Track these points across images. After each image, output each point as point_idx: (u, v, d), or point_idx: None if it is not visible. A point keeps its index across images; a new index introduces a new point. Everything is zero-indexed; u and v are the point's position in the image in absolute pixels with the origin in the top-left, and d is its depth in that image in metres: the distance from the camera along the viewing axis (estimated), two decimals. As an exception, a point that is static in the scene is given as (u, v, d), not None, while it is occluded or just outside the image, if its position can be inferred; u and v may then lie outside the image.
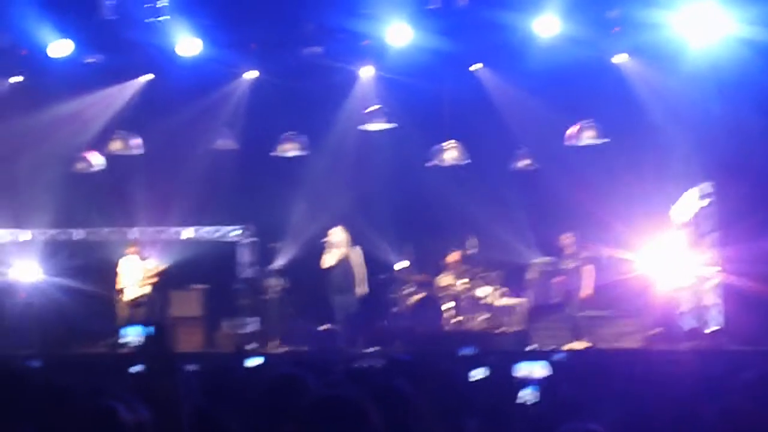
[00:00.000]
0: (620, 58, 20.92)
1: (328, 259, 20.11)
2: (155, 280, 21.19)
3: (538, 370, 10.13)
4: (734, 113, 20.11)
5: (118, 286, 20.99)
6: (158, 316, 21.14)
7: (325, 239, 20.18)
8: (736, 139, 20.12)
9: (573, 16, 19.34)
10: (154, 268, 21.31)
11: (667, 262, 21.03)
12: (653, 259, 20.98)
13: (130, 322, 20.45)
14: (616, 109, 21.27)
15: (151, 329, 7.61)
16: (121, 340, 19.57)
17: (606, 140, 21.36)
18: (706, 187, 20.24)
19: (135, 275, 21.08)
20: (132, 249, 21.30)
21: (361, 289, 20.17)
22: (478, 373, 10.28)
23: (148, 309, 21.00)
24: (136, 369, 9.78)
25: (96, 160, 22.68)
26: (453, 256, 21.38)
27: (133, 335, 19.49)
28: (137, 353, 14.39)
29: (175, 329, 20.94)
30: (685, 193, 20.57)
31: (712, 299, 20.11)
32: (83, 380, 9.06)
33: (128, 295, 20.93)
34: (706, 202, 20.26)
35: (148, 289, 21.08)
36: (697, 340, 19.92)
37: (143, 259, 21.29)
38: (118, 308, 20.92)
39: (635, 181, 21.09)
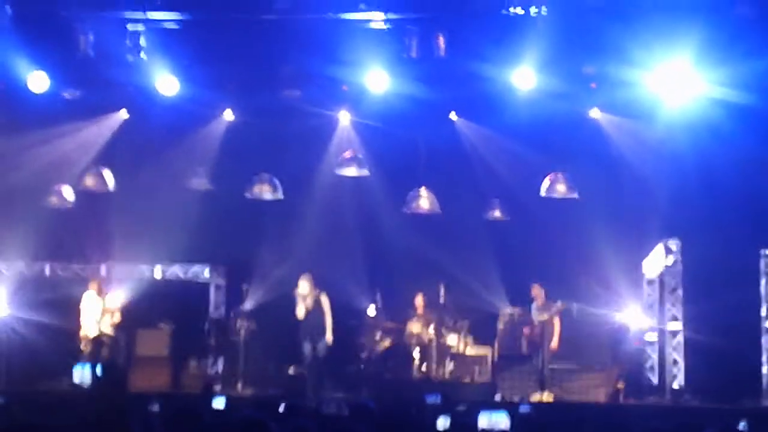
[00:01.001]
0: (596, 114, 21.08)
1: (299, 312, 20.04)
2: (117, 317, 21.06)
3: (500, 421, 10.17)
4: (705, 172, 20.30)
5: (79, 323, 20.86)
6: (122, 354, 21.04)
7: (296, 290, 20.13)
8: (706, 197, 20.30)
9: (550, 69, 19.44)
10: (116, 305, 21.17)
11: (635, 317, 21.16)
12: (621, 313, 21.09)
13: (92, 358, 20.31)
14: (590, 163, 21.44)
15: (100, 368, 7.61)
16: (74, 378, 19.42)
17: (576, 195, 21.46)
18: (674, 243, 20.39)
19: (95, 312, 20.92)
20: (93, 285, 21.17)
21: (328, 336, 20.09)
22: (443, 422, 10.31)
23: (111, 347, 20.87)
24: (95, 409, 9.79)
25: (68, 195, 22.61)
26: (420, 301, 21.41)
27: (83, 374, 19.33)
28: (90, 393, 14.35)
29: (140, 368, 20.87)
30: (655, 248, 20.72)
31: (676, 356, 20.21)
32: (46, 419, 9.04)
33: (88, 332, 20.76)
34: (672, 259, 20.40)
35: (108, 327, 20.91)
36: (661, 396, 20.03)
37: (104, 295, 21.14)
38: (82, 345, 20.80)
39: (607, 234, 21.21)
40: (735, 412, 17.16)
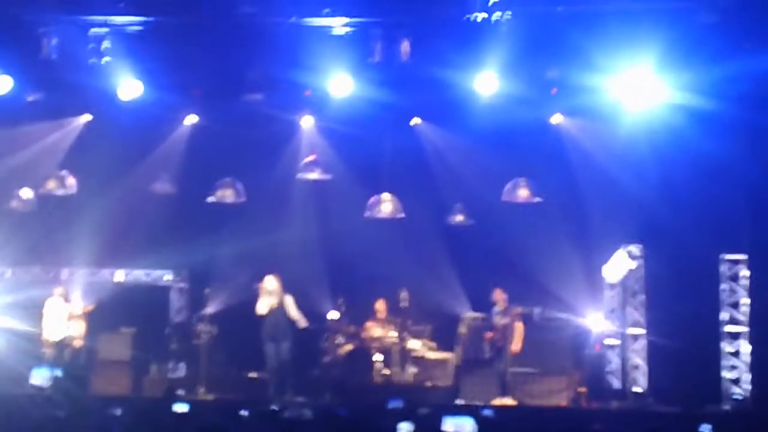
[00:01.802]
0: (557, 119, 21.18)
1: (262, 307, 20.05)
2: (81, 322, 20.99)
3: (465, 425, 10.20)
4: (667, 177, 20.44)
5: (42, 327, 20.76)
6: (85, 358, 20.96)
7: (259, 285, 20.13)
8: (668, 202, 20.43)
9: (512, 75, 19.54)
10: (80, 309, 21.11)
11: (597, 321, 21.25)
12: (583, 317, 21.18)
13: (55, 362, 20.24)
14: (552, 168, 21.55)
15: (61, 371, 7.60)
16: (32, 381, 19.34)
17: (539, 199, 21.57)
18: (636, 248, 20.51)
19: (59, 316, 20.85)
20: (58, 290, 21.10)
21: (302, 323, 20.06)
22: (405, 427, 10.32)
23: (73, 351, 20.78)
24: (61, 413, 9.75)
25: (30, 198, 22.51)
26: (381, 306, 21.44)
27: (42, 377, 19.25)
28: (51, 396, 14.28)
29: (102, 372, 20.79)
30: (616, 253, 20.83)
31: (638, 360, 20.33)
32: (7, 423, 9.00)
33: (51, 336, 20.68)
34: (634, 264, 20.52)
35: (73, 331, 20.84)
36: (623, 400, 20.12)
37: (68, 300, 21.06)
38: (44, 348, 20.70)
39: (568, 239, 21.34)
40: (697, 416, 17.29)
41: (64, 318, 20.83)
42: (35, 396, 18.39)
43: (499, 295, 20.35)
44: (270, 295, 20.01)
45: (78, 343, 20.85)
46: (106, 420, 9.09)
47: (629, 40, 18.39)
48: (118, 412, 9.92)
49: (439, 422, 10.61)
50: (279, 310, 20.02)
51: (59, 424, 7.36)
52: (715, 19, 18.16)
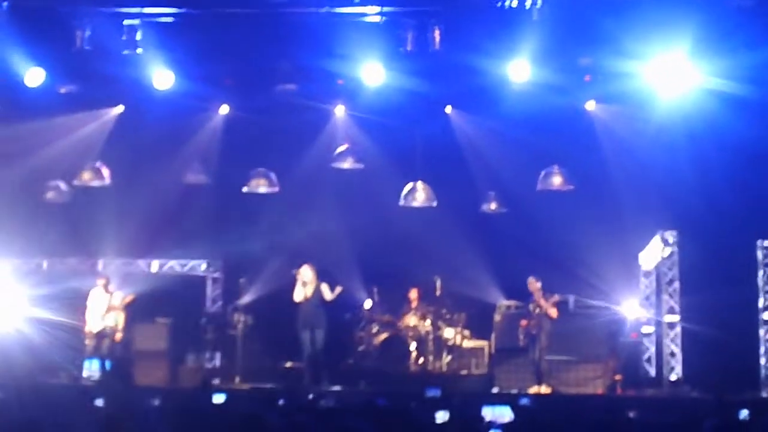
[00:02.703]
0: (591, 106, 21.09)
1: (297, 295, 20.09)
2: (122, 312, 21.05)
3: (503, 414, 10.19)
4: (701, 163, 20.31)
5: (84, 317, 20.86)
6: (122, 349, 21.04)
7: (294, 273, 20.16)
8: (702, 188, 20.31)
9: (545, 62, 19.45)
10: (121, 300, 21.17)
11: (632, 309, 21.16)
12: (618, 305, 21.10)
13: (95, 353, 20.34)
14: (585, 155, 21.46)
15: (110, 364, 7.65)
16: (84, 373, 19.51)
17: (572, 187, 21.49)
18: (671, 235, 20.40)
19: (100, 307, 20.93)
20: (101, 281, 21.17)
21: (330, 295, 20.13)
22: (442, 416, 10.32)
23: (112, 342, 20.86)
24: (99, 402, 9.80)
25: (65, 190, 22.60)
26: (414, 294, 21.44)
27: (92, 369, 19.43)
28: (98, 387, 14.37)
29: (138, 363, 20.86)
30: (652, 240, 20.73)
31: (674, 347, 20.23)
32: (47, 413, 9.04)
33: (92, 327, 20.77)
34: (669, 250, 20.40)
35: (112, 321, 20.92)
36: (659, 388, 20.03)
37: (109, 291, 21.13)
38: (84, 339, 20.78)
39: (603, 226, 21.23)
40: (734, 402, 17.17)
41: (104, 309, 20.87)
42: (76, 386, 18.60)
43: (533, 284, 20.27)
44: (304, 285, 20.04)
45: (118, 334, 20.92)
46: (145, 411, 9.13)
47: (663, 25, 18.28)
48: (157, 402, 9.97)
49: (475, 411, 10.61)
50: (314, 299, 20.05)
51: (99, 414, 7.39)
52: (752, 2, 18.02)
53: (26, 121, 21.60)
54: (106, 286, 21.09)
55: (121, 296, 21.25)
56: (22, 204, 22.41)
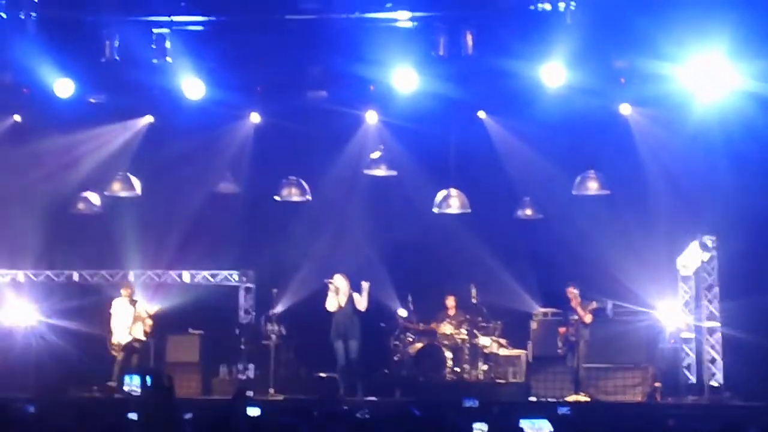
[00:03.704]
0: (626, 109, 20.82)
1: (330, 305, 19.96)
2: (149, 323, 20.89)
3: (542, 427, 10.00)
4: (739, 167, 20.04)
5: (110, 329, 20.69)
6: (153, 361, 20.90)
7: (329, 280, 20.03)
8: (741, 193, 20.06)
9: (579, 65, 19.22)
10: (146, 311, 20.99)
11: (671, 314, 20.89)
12: (657, 311, 20.84)
13: (124, 365, 20.14)
14: (621, 160, 21.22)
15: (150, 379, 7.47)
16: (124, 387, 19.38)
17: (608, 191, 21.25)
18: (710, 240, 20.09)
19: (126, 319, 20.72)
20: (125, 292, 20.99)
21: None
22: (480, 427, 10.11)
23: (142, 353, 20.71)
24: (133, 416, 9.61)
25: (96, 200, 22.52)
26: (451, 302, 21.26)
27: (133, 384, 19.29)
28: (138, 402, 14.19)
29: (172, 374, 20.67)
30: (690, 245, 20.44)
31: (714, 353, 19.92)
32: (79, 426, 8.88)
33: (119, 338, 20.57)
34: (708, 255, 20.11)
35: (140, 333, 20.74)
36: (700, 395, 19.74)
37: (134, 302, 20.94)
38: (113, 351, 20.63)
39: (640, 232, 21.01)
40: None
41: (132, 320, 20.67)
42: (108, 400, 18.46)
43: (572, 292, 20.06)
44: (337, 293, 19.91)
45: (146, 345, 20.77)
46: (180, 423, 8.94)
47: (699, 26, 18.01)
48: (190, 415, 9.79)
49: (513, 422, 10.39)
50: (347, 309, 19.94)
51: (132, 427, 7.22)
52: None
53: (56, 132, 21.55)
54: (130, 297, 20.90)
55: (146, 306, 21.09)
56: (52, 215, 22.36)
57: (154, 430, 6.68)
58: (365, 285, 19.90)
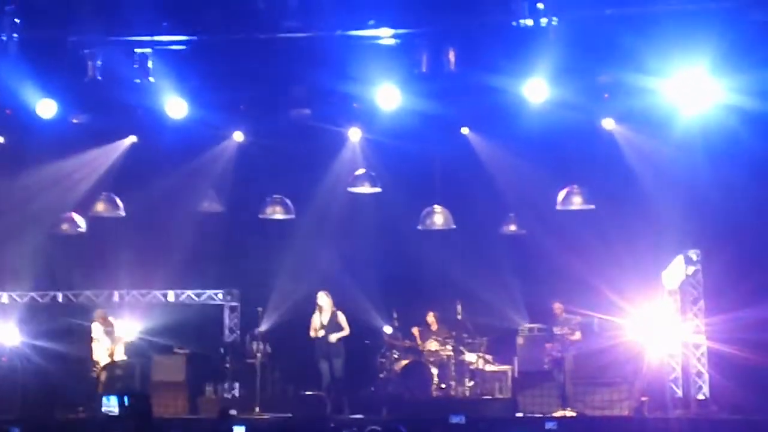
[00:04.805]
0: (610, 124, 20.85)
1: (314, 324, 19.99)
2: (127, 343, 20.91)
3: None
4: (723, 181, 20.09)
5: (91, 351, 20.67)
6: (137, 381, 20.83)
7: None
8: (725, 206, 20.13)
9: (562, 80, 19.22)
10: (127, 333, 20.99)
11: (657, 329, 20.88)
12: (643, 325, 20.83)
13: (108, 386, 20.09)
14: (605, 175, 21.27)
15: (127, 400, 7.42)
16: (103, 408, 19.28)
17: (592, 206, 21.28)
18: (694, 254, 20.11)
19: (105, 340, 20.76)
20: (97, 316, 21.02)
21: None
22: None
23: (126, 374, 20.67)
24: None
25: (79, 221, 22.46)
26: (431, 318, 21.28)
27: (111, 405, 19.19)
28: (117, 422, 14.16)
29: (157, 394, 20.64)
30: (674, 259, 20.47)
31: (700, 367, 19.93)
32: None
33: (101, 359, 20.59)
34: (693, 269, 20.13)
35: (121, 355, 20.73)
36: (686, 409, 19.74)
37: (109, 324, 20.95)
38: (96, 373, 20.60)
39: (625, 246, 21.03)
40: (761, 423, 16.93)
41: (111, 341, 20.72)
42: (94, 421, 18.36)
43: (558, 308, 20.09)
44: (321, 311, 19.96)
45: (129, 365, 20.74)
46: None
47: (682, 41, 18.03)
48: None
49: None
50: (330, 328, 19.97)
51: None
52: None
53: (40, 153, 21.50)
54: (104, 318, 20.93)
55: (123, 326, 21.08)
56: (36, 236, 22.29)
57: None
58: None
